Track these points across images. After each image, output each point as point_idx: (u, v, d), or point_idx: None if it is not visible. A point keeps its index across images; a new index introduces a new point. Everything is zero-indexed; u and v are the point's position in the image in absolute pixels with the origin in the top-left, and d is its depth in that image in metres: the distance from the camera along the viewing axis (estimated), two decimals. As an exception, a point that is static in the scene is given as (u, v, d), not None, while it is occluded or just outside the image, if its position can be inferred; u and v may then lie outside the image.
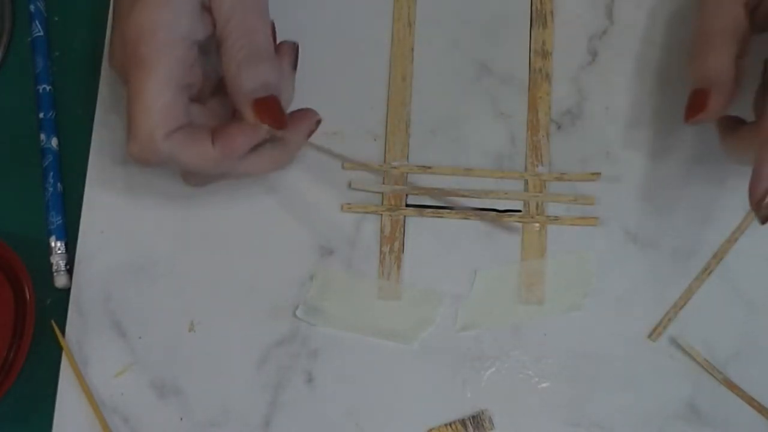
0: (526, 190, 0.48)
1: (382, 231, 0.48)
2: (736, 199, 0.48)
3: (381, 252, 0.48)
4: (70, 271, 0.48)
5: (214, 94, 0.45)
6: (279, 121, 0.43)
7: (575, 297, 0.47)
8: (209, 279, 0.48)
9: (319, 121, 0.46)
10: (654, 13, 0.51)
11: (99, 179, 0.49)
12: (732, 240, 0.47)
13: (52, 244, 0.48)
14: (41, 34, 0.51)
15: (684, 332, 0.46)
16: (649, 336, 0.46)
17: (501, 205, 0.48)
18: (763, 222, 0.41)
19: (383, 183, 0.49)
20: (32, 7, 0.51)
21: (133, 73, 0.41)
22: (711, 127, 0.49)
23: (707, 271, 0.47)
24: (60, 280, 0.48)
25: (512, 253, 0.48)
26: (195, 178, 0.46)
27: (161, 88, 0.41)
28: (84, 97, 0.50)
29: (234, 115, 0.44)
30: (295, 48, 0.46)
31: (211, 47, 0.43)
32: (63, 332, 0.47)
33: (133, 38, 0.41)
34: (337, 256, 0.48)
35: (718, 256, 0.47)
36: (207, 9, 0.42)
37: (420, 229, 0.48)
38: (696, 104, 0.44)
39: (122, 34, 0.41)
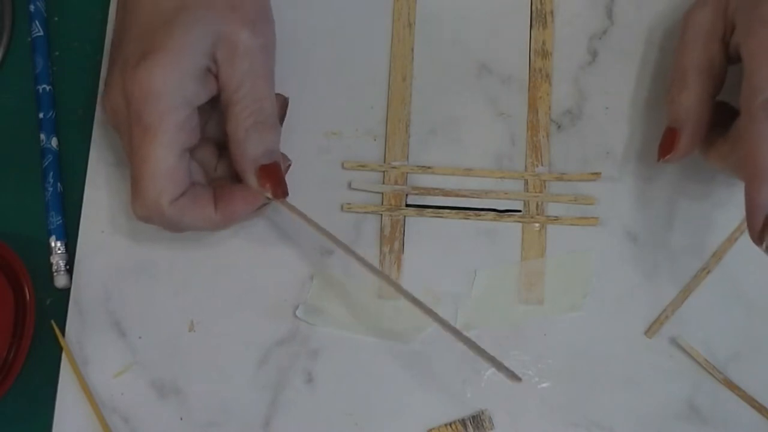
0: (526, 190, 0.48)
1: (382, 231, 0.48)
2: (736, 199, 0.48)
3: (381, 252, 0.48)
4: (70, 271, 0.48)
5: (197, 148, 0.45)
6: (280, 187, 0.43)
7: (575, 297, 0.47)
8: (209, 279, 0.48)
9: (288, 166, 0.46)
10: (654, 14, 0.51)
11: (99, 179, 0.49)
12: (732, 240, 0.47)
13: (52, 244, 0.48)
14: (41, 34, 0.51)
15: (684, 332, 0.46)
16: (646, 333, 0.46)
17: (501, 205, 0.48)
18: None
19: (383, 183, 0.49)
20: (32, 7, 0.51)
21: (137, 134, 0.41)
22: (711, 127, 0.49)
23: (705, 270, 0.47)
24: (60, 280, 0.48)
25: (512, 253, 0.48)
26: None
27: (166, 153, 0.41)
28: (84, 97, 0.50)
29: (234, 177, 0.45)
30: (285, 103, 0.47)
31: (205, 108, 0.44)
32: (63, 332, 0.47)
33: (138, 98, 0.41)
34: (337, 256, 0.48)
35: (718, 256, 0.47)
36: (212, 74, 0.43)
37: (420, 229, 0.48)
38: (665, 144, 0.44)
39: (125, 88, 0.41)
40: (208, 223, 0.43)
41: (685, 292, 0.47)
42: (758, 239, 0.40)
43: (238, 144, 0.43)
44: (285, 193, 0.44)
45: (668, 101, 0.45)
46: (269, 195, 0.43)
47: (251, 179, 0.43)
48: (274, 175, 0.43)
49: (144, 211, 0.43)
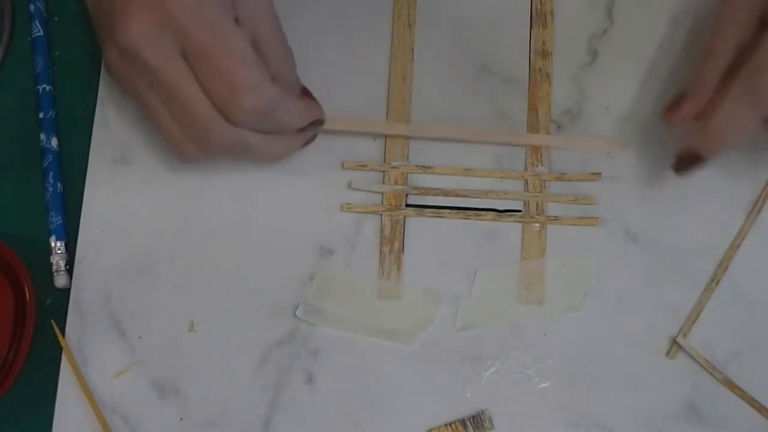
0: (526, 190, 0.48)
1: (382, 231, 0.48)
2: (736, 199, 0.48)
3: (381, 252, 0.48)
4: (70, 271, 0.48)
5: None
6: (319, 105, 0.47)
7: (575, 297, 0.47)
8: (209, 279, 0.48)
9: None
10: (654, 13, 0.51)
11: (99, 179, 0.49)
12: (734, 246, 0.47)
13: (52, 244, 0.48)
14: (41, 34, 0.51)
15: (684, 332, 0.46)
16: (667, 354, 0.46)
17: (501, 205, 0.48)
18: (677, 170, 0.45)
19: (383, 183, 0.49)
20: (32, 7, 0.51)
21: (205, 38, 0.40)
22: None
23: (715, 280, 0.47)
24: (60, 280, 0.48)
25: (512, 253, 0.48)
26: (226, 149, 0.44)
27: (246, 43, 0.41)
28: (84, 97, 0.50)
29: None
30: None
31: None
32: (63, 332, 0.47)
33: (189, 5, 0.40)
34: (337, 256, 0.48)
35: (724, 265, 0.47)
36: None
37: (420, 229, 0.48)
38: (674, 103, 0.46)
39: (165, 5, 0.40)
40: (296, 113, 0.44)
41: (699, 306, 0.46)
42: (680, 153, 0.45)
43: (280, 73, 0.44)
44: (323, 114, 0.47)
45: (693, 69, 0.45)
46: (316, 113, 0.47)
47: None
48: (311, 95, 0.47)
49: (254, 96, 0.41)
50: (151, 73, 0.41)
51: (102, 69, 0.50)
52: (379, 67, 0.50)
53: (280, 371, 0.46)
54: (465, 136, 0.48)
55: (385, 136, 0.49)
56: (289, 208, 0.48)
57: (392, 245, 0.48)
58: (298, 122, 0.45)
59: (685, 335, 0.46)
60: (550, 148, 0.49)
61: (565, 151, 0.49)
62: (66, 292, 0.47)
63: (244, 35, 0.42)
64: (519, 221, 0.48)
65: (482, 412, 0.46)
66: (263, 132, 0.44)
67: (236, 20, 0.42)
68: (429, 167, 0.49)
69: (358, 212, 0.48)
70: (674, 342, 0.46)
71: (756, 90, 0.42)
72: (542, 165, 0.49)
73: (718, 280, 0.47)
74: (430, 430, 0.45)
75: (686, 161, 0.46)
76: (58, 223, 0.48)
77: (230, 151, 0.44)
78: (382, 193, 0.48)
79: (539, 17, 0.51)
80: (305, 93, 0.47)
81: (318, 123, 0.47)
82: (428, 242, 0.48)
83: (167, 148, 0.45)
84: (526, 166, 0.49)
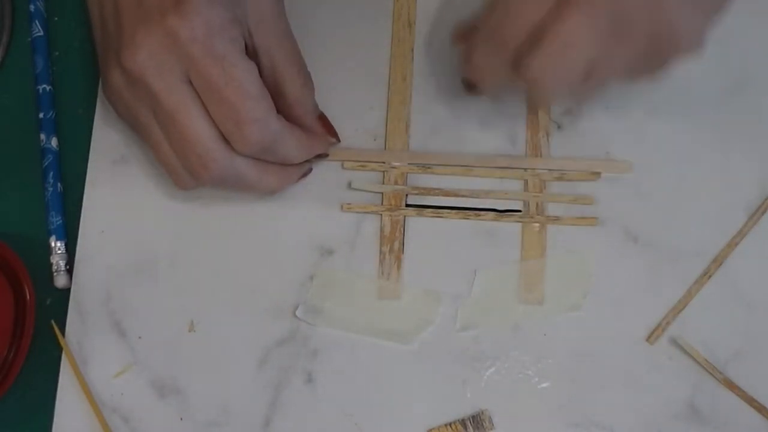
0: (526, 190, 0.48)
1: (382, 231, 0.48)
2: (736, 199, 0.48)
3: (381, 252, 0.48)
4: (70, 271, 0.48)
5: None
6: (334, 132, 0.48)
7: (575, 297, 0.47)
8: (209, 279, 0.48)
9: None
10: (654, 13, 0.51)
11: (99, 179, 0.49)
12: (732, 245, 0.47)
13: (52, 244, 0.48)
14: (41, 34, 0.51)
15: (684, 332, 0.46)
16: (648, 339, 0.46)
17: (501, 205, 0.48)
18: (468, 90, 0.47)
19: (383, 183, 0.49)
20: (32, 7, 0.51)
21: (213, 69, 0.41)
22: (712, 128, 0.49)
23: (707, 275, 0.47)
24: (60, 280, 0.48)
25: (512, 253, 0.48)
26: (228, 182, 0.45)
27: (254, 75, 0.42)
28: (84, 97, 0.50)
29: None
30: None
31: None
32: (63, 332, 0.47)
33: (200, 34, 0.40)
34: (337, 256, 0.48)
35: (719, 260, 0.47)
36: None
37: (420, 229, 0.48)
38: (462, 32, 0.47)
39: (177, 33, 0.40)
40: (301, 146, 0.45)
41: (687, 298, 0.46)
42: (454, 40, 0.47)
43: (297, 100, 0.45)
44: (337, 136, 0.48)
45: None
46: (332, 139, 0.48)
47: (317, 126, 0.47)
48: (328, 121, 0.47)
49: (257, 128, 0.42)
50: (153, 99, 0.41)
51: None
52: (379, 67, 0.50)
53: (280, 371, 0.46)
54: (467, 163, 0.49)
55: (385, 136, 0.49)
56: (289, 208, 0.48)
57: (392, 245, 0.48)
58: (300, 157, 0.46)
59: (668, 323, 0.46)
60: (550, 152, 0.49)
61: (565, 151, 0.49)
62: (66, 292, 0.47)
63: (253, 67, 0.42)
64: (519, 221, 0.48)
65: (482, 412, 0.46)
66: (263, 162, 0.44)
67: (253, 48, 0.43)
68: (429, 167, 0.49)
69: (358, 212, 0.48)
70: (654, 330, 0.46)
71: (495, 35, 0.42)
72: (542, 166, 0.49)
73: (710, 275, 0.47)
74: (430, 430, 0.45)
75: (466, 86, 0.48)
76: (58, 223, 0.48)
77: (225, 182, 0.44)
78: (382, 193, 0.48)
79: (539, 17, 0.51)
80: (322, 119, 0.47)
81: (322, 156, 0.48)
82: (428, 242, 0.48)
83: (164, 174, 0.46)
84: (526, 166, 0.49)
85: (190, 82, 0.41)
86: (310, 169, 0.48)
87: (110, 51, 0.43)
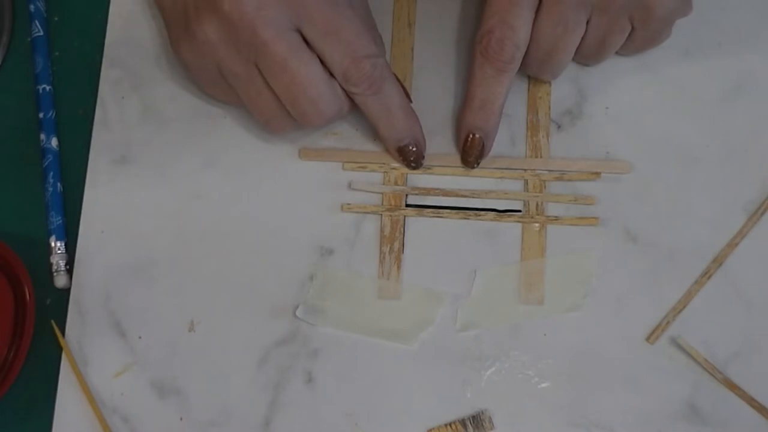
0: (526, 190, 0.48)
1: (382, 231, 0.48)
2: (736, 199, 0.48)
3: (381, 252, 0.48)
4: (70, 271, 0.48)
5: None
6: (407, 93, 0.48)
7: (575, 297, 0.47)
8: (209, 279, 0.48)
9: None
10: (654, 13, 0.51)
11: (99, 179, 0.49)
12: (732, 245, 0.47)
13: (52, 244, 0.48)
14: (41, 34, 0.51)
15: (684, 332, 0.46)
16: (648, 339, 0.46)
17: (501, 205, 0.48)
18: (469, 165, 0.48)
19: (383, 183, 0.49)
20: (32, 7, 0.51)
21: (331, 9, 0.43)
22: (712, 128, 0.49)
23: (707, 275, 0.47)
24: (60, 280, 0.48)
25: (512, 253, 0.48)
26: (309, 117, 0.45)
27: (361, 20, 0.44)
28: (84, 97, 0.50)
29: None
30: None
31: None
32: (63, 332, 0.47)
33: None
34: (337, 256, 0.48)
35: (719, 260, 0.47)
36: None
37: (420, 229, 0.48)
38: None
39: None
40: (401, 95, 0.46)
41: (687, 297, 0.46)
42: (461, 151, 0.48)
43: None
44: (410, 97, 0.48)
45: None
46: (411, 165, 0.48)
47: (395, 155, 0.48)
48: (407, 155, 0.48)
49: (375, 65, 0.44)
50: (260, 48, 0.42)
51: (102, 68, 0.50)
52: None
53: (280, 371, 0.46)
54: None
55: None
56: (289, 208, 0.48)
57: (392, 245, 0.48)
58: (401, 105, 0.46)
59: (668, 323, 0.46)
60: (550, 152, 0.49)
61: (565, 151, 0.49)
62: (66, 292, 0.47)
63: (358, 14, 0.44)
64: (519, 221, 0.48)
65: (482, 412, 0.46)
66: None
67: None
68: (429, 167, 0.49)
69: (358, 212, 0.48)
70: (654, 330, 0.46)
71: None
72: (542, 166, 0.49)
73: (710, 275, 0.47)
74: (430, 430, 0.45)
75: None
76: (58, 223, 0.48)
77: (330, 122, 0.45)
78: (382, 194, 0.48)
79: (539, 17, 0.51)
80: (401, 153, 0.48)
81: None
82: (428, 242, 0.48)
83: (258, 120, 0.46)
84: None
85: (298, 31, 0.43)
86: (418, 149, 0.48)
87: (201, 2, 0.43)
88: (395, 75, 0.46)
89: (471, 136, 0.47)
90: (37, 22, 0.51)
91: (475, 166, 0.48)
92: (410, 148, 0.47)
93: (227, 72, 0.44)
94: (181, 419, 0.46)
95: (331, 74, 0.44)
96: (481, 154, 0.48)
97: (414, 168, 0.48)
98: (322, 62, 0.44)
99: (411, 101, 0.48)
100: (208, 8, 0.43)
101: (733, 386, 0.45)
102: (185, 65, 0.46)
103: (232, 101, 0.47)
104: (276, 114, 0.45)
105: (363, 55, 0.43)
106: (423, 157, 0.48)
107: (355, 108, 0.46)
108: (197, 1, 0.43)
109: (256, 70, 0.43)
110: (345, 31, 0.43)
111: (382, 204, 0.48)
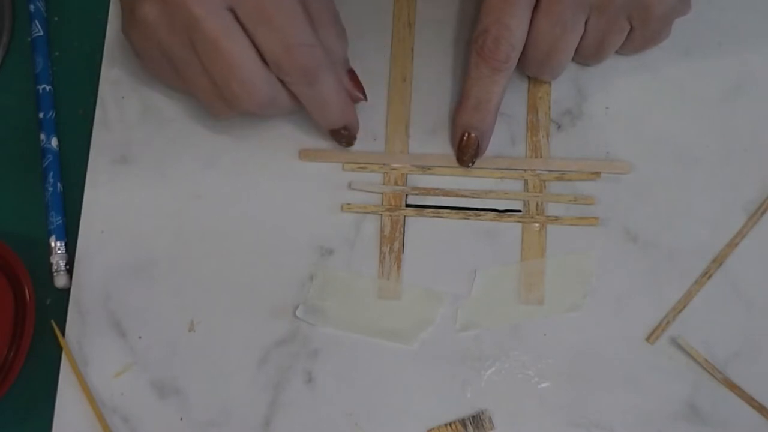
0: (526, 190, 0.48)
1: (382, 231, 0.48)
2: (736, 199, 0.48)
3: (381, 252, 0.48)
4: (70, 271, 0.48)
5: None
6: (362, 89, 0.48)
7: (575, 297, 0.47)
8: (209, 279, 0.48)
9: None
10: (654, 13, 0.51)
11: (99, 179, 0.49)
12: (732, 245, 0.47)
13: (52, 244, 0.48)
14: (41, 34, 0.51)
15: (684, 332, 0.46)
16: (647, 339, 0.46)
17: (501, 205, 0.48)
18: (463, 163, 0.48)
19: (383, 183, 0.49)
20: (32, 7, 0.51)
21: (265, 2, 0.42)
22: (712, 128, 0.49)
23: (707, 275, 0.47)
24: (60, 280, 0.48)
25: (512, 253, 0.48)
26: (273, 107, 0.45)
27: (302, 6, 0.43)
28: (84, 97, 0.50)
29: None
30: None
31: None
32: (63, 332, 0.47)
33: None
34: (337, 256, 0.48)
35: (719, 260, 0.47)
36: None
37: (420, 229, 0.48)
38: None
39: None
40: (339, 91, 0.45)
41: (687, 297, 0.46)
42: (456, 150, 0.48)
43: (329, 49, 0.45)
44: (365, 96, 0.48)
45: None
46: (359, 95, 0.47)
47: (345, 81, 0.47)
48: (357, 77, 0.47)
49: (308, 54, 0.43)
50: (193, 27, 0.42)
51: (102, 68, 0.50)
52: (379, 67, 0.50)
53: (280, 371, 0.46)
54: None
55: (385, 136, 0.49)
56: (289, 208, 0.48)
57: (392, 245, 0.48)
58: (337, 100, 0.45)
59: (668, 323, 0.46)
60: (550, 152, 0.49)
61: (565, 151, 0.49)
62: (66, 292, 0.47)
63: (298, 0, 0.43)
64: (519, 221, 0.48)
65: (482, 412, 0.46)
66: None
67: None
68: (429, 168, 0.49)
69: (358, 212, 0.48)
70: (654, 330, 0.46)
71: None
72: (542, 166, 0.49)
73: (710, 275, 0.47)
74: (430, 430, 0.45)
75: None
76: (58, 223, 0.48)
77: (262, 109, 0.44)
78: (382, 194, 0.48)
79: (539, 17, 0.51)
80: (351, 74, 0.47)
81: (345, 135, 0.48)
82: (428, 242, 0.48)
83: (199, 103, 0.46)
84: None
85: (232, 11, 0.42)
86: (351, 134, 0.48)
87: None
88: (354, 75, 0.47)
89: (466, 135, 0.47)
90: (37, 22, 0.51)
91: (471, 165, 0.48)
92: (342, 131, 0.47)
93: (168, 53, 0.44)
94: (181, 419, 0.46)
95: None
96: (477, 153, 0.48)
97: (346, 146, 0.48)
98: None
99: (366, 99, 0.48)
100: None
101: (733, 386, 0.45)
102: (134, 49, 0.46)
103: (178, 84, 0.47)
104: (214, 98, 0.44)
105: (296, 42, 0.42)
106: (355, 138, 0.48)
107: (298, 102, 0.45)
108: None
109: (193, 51, 0.43)
110: (279, 17, 0.42)
111: (382, 204, 0.48)
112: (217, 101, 0.45)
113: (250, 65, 0.42)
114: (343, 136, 0.48)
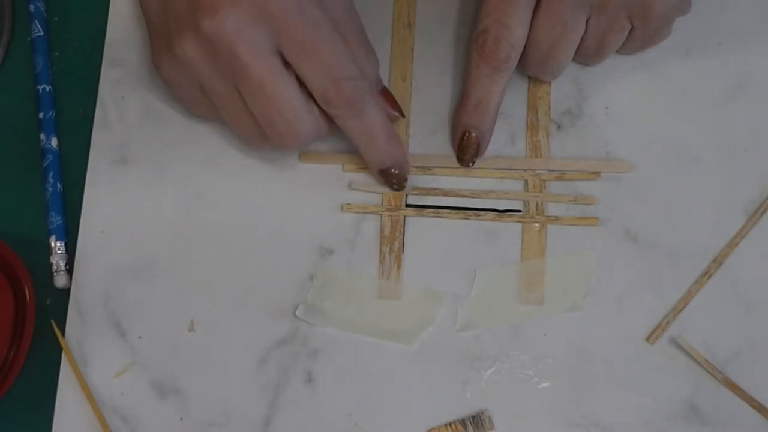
0: (526, 190, 0.48)
1: (382, 231, 0.48)
2: (736, 199, 0.48)
3: (381, 252, 0.48)
4: (70, 271, 0.48)
5: None
6: (398, 106, 0.48)
7: (575, 297, 0.47)
8: (209, 279, 0.48)
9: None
10: (654, 13, 0.51)
11: (99, 179, 0.49)
12: (732, 245, 0.47)
13: (52, 244, 0.48)
14: (41, 34, 0.51)
15: (684, 332, 0.46)
16: (647, 339, 0.46)
17: (501, 205, 0.48)
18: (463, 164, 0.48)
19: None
20: (32, 7, 0.51)
21: (311, 31, 0.42)
22: (712, 128, 0.49)
23: (707, 274, 0.47)
24: (60, 280, 0.48)
25: (512, 253, 0.48)
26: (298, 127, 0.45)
27: (343, 40, 0.43)
28: (84, 97, 0.50)
29: None
30: None
31: None
32: (63, 332, 0.47)
33: (296, 2, 0.42)
34: (337, 256, 0.48)
35: (719, 260, 0.47)
36: None
37: (420, 229, 0.48)
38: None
39: (260, 6, 0.41)
40: (382, 115, 0.46)
41: (687, 297, 0.46)
42: (456, 149, 0.48)
43: (363, 70, 0.45)
44: (402, 112, 0.48)
45: None
46: (395, 113, 0.47)
47: (379, 100, 0.47)
48: (391, 95, 0.48)
49: (355, 88, 0.43)
50: (239, 69, 0.42)
51: (102, 68, 0.50)
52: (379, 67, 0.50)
53: (280, 371, 0.46)
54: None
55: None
56: (289, 208, 0.48)
57: (392, 245, 0.48)
58: (383, 125, 0.46)
59: (668, 323, 0.46)
60: (550, 152, 0.49)
61: (565, 151, 0.49)
62: (66, 292, 0.47)
63: (334, 28, 0.43)
64: (519, 221, 0.48)
65: (482, 412, 0.46)
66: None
67: None
68: (429, 167, 0.49)
69: (358, 212, 0.48)
70: (654, 330, 0.46)
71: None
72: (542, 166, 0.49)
73: (710, 275, 0.47)
74: (430, 430, 0.45)
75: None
76: (58, 223, 0.48)
77: (305, 145, 0.45)
78: (382, 194, 0.48)
79: (539, 17, 0.51)
80: (384, 93, 0.47)
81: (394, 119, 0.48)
82: (428, 242, 0.48)
83: (237, 137, 0.47)
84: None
85: (278, 53, 0.42)
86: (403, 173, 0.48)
87: (183, 21, 0.42)
88: (388, 93, 0.47)
89: (466, 134, 0.47)
90: (37, 22, 0.51)
91: (471, 165, 0.48)
92: (393, 171, 0.47)
93: (209, 92, 0.44)
94: (181, 419, 0.46)
95: (311, 95, 0.43)
96: (477, 152, 0.48)
97: (396, 190, 0.48)
98: (302, 83, 0.43)
99: (404, 116, 0.48)
100: (189, 27, 0.42)
101: (733, 386, 0.45)
102: (166, 81, 0.46)
103: (214, 118, 0.47)
104: (255, 133, 0.45)
105: (342, 77, 0.43)
106: (406, 180, 0.47)
107: (336, 128, 0.45)
108: (179, 20, 0.43)
109: (236, 90, 0.43)
110: (324, 53, 0.42)
111: (382, 204, 0.48)
112: (258, 138, 0.45)
113: (296, 105, 0.43)
114: (394, 176, 0.47)
